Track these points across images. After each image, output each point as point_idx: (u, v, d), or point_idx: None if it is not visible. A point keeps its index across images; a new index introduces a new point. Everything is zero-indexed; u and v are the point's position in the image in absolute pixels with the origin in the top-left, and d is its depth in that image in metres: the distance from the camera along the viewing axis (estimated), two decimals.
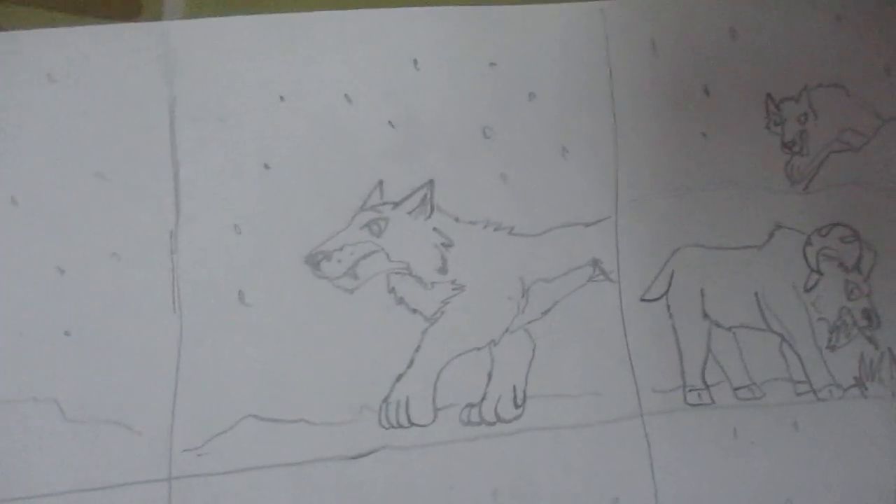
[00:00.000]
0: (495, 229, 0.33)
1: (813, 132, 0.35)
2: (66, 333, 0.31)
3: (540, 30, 0.34)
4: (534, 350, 0.33)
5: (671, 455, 0.32)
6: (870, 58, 0.36)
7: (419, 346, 0.32)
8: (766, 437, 0.33)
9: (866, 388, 0.34)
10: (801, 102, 0.35)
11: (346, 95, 0.33)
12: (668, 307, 0.34)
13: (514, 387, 0.33)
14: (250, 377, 0.32)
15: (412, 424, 0.32)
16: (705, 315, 0.34)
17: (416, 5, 0.34)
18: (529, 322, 0.33)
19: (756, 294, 0.34)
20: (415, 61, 0.34)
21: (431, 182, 0.33)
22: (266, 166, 0.33)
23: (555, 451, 0.32)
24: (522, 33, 0.34)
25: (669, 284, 0.34)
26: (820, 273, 0.34)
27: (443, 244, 0.33)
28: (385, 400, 0.32)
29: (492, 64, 0.34)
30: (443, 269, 0.33)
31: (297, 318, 0.32)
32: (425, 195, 0.33)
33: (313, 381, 0.32)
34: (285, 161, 0.33)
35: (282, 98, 0.33)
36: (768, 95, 0.35)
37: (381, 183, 0.33)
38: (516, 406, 0.32)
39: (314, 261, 0.32)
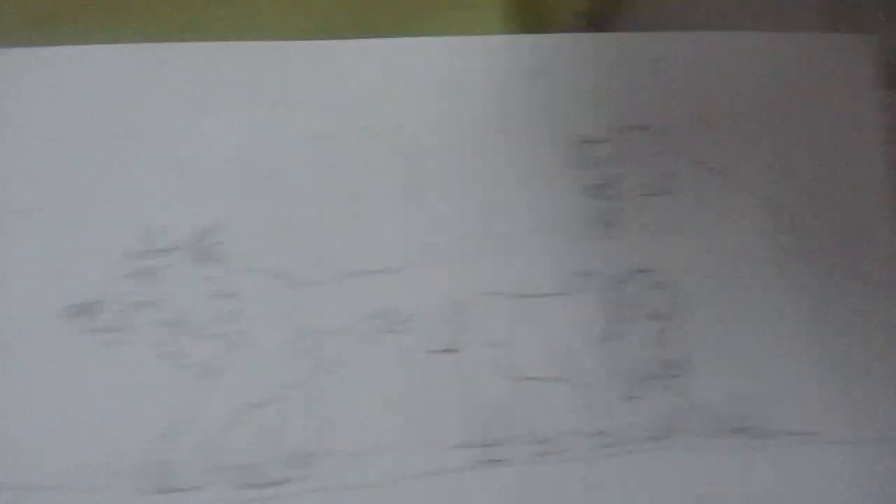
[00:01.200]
0: (280, 278, 0.32)
1: (620, 175, 0.35)
2: None
3: (331, 66, 0.33)
4: (321, 405, 0.32)
5: None
6: (682, 100, 0.35)
7: (193, 404, 0.31)
8: (559, 493, 0.32)
9: (668, 440, 0.33)
10: (608, 145, 0.35)
11: (125, 130, 0.32)
12: (465, 359, 0.33)
13: (299, 445, 0.31)
14: (2, 440, 0.30)
15: (177, 490, 0.30)
16: (501, 367, 0.33)
17: (204, 40, 0.33)
18: (317, 376, 0.32)
19: (556, 343, 0.33)
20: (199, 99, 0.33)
21: (213, 228, 0.32)
22: (22, 211, 0.31)
23: None
24: (309, 71, 0.33)
25: (464, 336, 0.33)
26: (624, 321, 0.34)
27: (224, 294, 0.32)
28: (148, 463, 0.30)
29: (274, 104, 0.33)
30: (222, 321, 0.31)
31: (56, 376, 0.30)
32: (205, 242, 0.32)
33: (70, 444, 0.30)
34: (50, 204, 0.31)
35: (55, 138, 0.32)
36: (574, 138, 0.35)
37: (155, 228, 0.32)
38: (301, 466, 0.31)
39: (74, 312, 0.31)
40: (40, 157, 0.33)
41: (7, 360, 0.31)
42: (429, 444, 0.32)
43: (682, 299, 0.35)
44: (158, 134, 0.33)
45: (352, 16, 0.36)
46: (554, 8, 0.36)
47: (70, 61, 0.33)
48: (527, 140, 0.34)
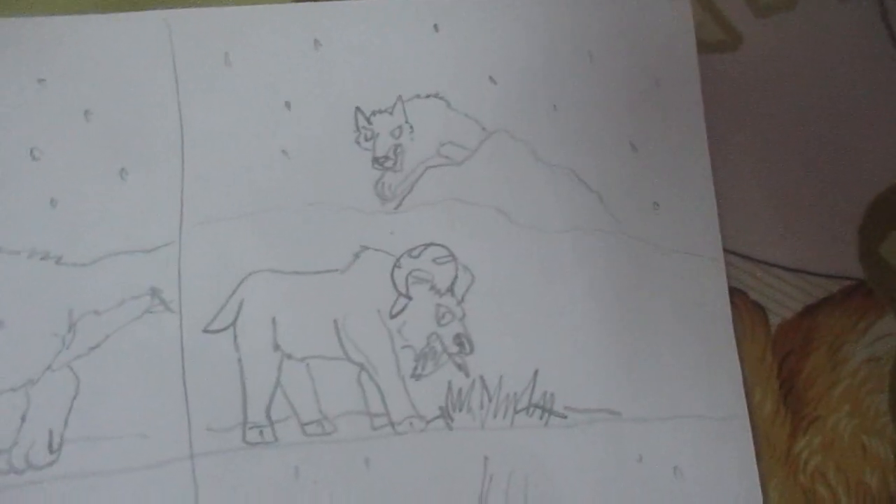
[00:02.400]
0: (41, 258, 0.32)
1: (408, 146, 0.34)
2: None
3: (94, 42, 0.33)
4: (77, 389, 0.31)
5: (220, 499, 0.31)
6: (471, 67, 0.35)
7: None
8: (333, 475, 0.31)
9: (452, 420, 0.32)
10: (395, 115, 0.34)
11: None
12: (235, 338, 0.32)
13: (51, 430, 0.31)
14: None
15: None
16: (276, 346, 0.32)
17: None
18: (76, 358, 0.31)
19: (335, 321, 0.32)
20: None
21: None
22: None
23: (90, 500, 0.30)
24: (75, 46, 0.33)
25: (237, 314, 0.32)
26: (409, 297, 0.33)
27: None
28: None
29: (40, 80, 0.32)
30: None
31: None
32: None
33: None
34: None
35: None
36: (357, 108, 0.34)
37: None
38: (51, 451, 0.30)
39: None
40: None
41: None
42: (201, 425, 0.31)
43: (470, 275, 0.34)
44: None
45: None
46: None
47: None
48: (309, 111, 0.34)
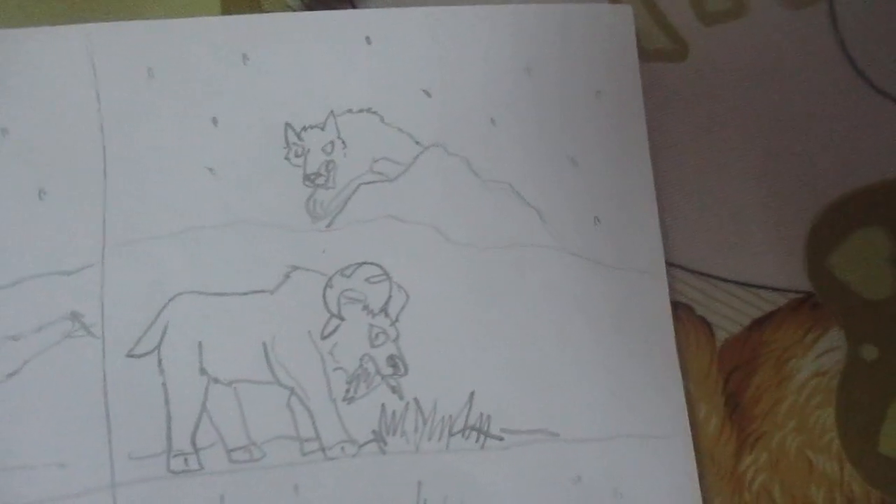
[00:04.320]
0: None
1: (341, 163, 0.34)
2: None
3: (12, 57, 0.32)
4: (5, 416, 0.30)
5: None
6: (405, 80, 0.34)
7: None
8: (259, 503, 0.31)
9: (386, 444, 0.32)
10: (326, 130, 0.34)
11: None
12: (160, 363, 0.32)
13: None
14: None
15: None
16: (203, 370, 0.32)
17: None
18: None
19: (264, 344, 0.32)
20: None
21: None
22: None
23: None
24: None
25: (162, 338, 0.32)
26: (341, 318, 0.33)
27: None
28: None
29: None
30: None
31: None
32: None
33: None
34: None
35: None
36: (287, 124, 0.33)
37: None
38: None
39: None
40: None
41: None
42: (123, 453, 0.31)
43: (404, 294, 0.33)
44: None
45: (61, 2, 0.34)
46: None
47: None
48: (237, 127, 0.33)
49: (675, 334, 0.37)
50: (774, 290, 0.38)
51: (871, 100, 0.40)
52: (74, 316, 0.32)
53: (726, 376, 0.37)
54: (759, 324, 0.38)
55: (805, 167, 0.39)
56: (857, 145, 0.40)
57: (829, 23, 0.41)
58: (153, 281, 0.32)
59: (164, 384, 0.32)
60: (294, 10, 0.35)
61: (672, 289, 0.38)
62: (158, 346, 0.32)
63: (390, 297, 0.33)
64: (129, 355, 0.32)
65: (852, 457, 0.37)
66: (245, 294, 0.33)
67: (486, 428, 0.33)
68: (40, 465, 0.30)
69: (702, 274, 0.38)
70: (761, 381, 0.38)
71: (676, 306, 0.37)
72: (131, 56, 0.33)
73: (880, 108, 0.40)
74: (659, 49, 0.40)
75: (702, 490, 0.36)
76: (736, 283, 0.38)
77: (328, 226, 0.34)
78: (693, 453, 0.34)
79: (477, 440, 0.33)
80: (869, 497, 0.36)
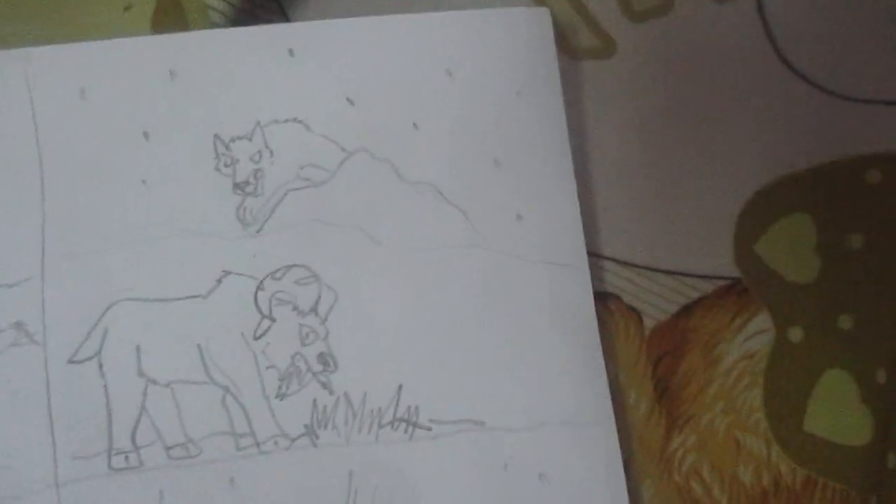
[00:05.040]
0: None
1: (269, 171, 0.35)
2: None
3: None
4: None
5: None
6: (328, 90, 0.36)
7: None
8: (197, 497, 0.33)
9: (317, 437, 0.34)
10: (254, 141, 0.35)
11: None
12: (100, 367, 0.34)
13: None
14: None
15: None
16: (141, 373, 0.34)
17: None
18: None
19: (199, 346, 0.34)
20: None
21: None
22: None
23: None
24: None
25: (102, 343, 0.34)
26: (272, 319, 0.34)
27: None
28: None
29: None
30: None
31: None
32: None
33: None
34: None
35: None
36: (216, 136, 0.35)
37: None
38: None
39: None
40: None
41: None
42: (66, 454, 0.33)
43: (333, 294, 0.35)
44: None
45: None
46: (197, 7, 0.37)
47: None
48: (167, 141, 0.35)
49: (605, 324, 0.38)
50: (702, 277, 0.40)
51: (798, 89, 0.41)
52: (18, 325, 0.34)
53: (655, 362, 0.39)
54: (687, 310, 0.39)
55: (732, 156, 0.41)
56: (783, 134, 0.41)
57: (757, 15, 0.42)
58: (92, 290, 0.34)
59: (105, 387, 0.33)
60: (219, 27, 0.37)
61: (601, 280, 0.39)
62: (99, 352, 0.34)
63: (319, 297, 0.35)
64: (71, 361, 0.34)
65: (779, 436, 0.38)
66: (180, 299, 0.34)
67: (414, 419, 0.35)
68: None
69: (630, 264, 0.40)
70: (690, 365, 0.39)
71: (606, 297, 0.39)
72: (65, 78, 0.35)
73: (807, 98, 0.41)
74: (587, 47, 0.41)
75: (632, 472, 0.37)
76: (664, 271, 0.40)
77: (258, 231, 0.35)
78: (617, 439, 0.36)
79: (406, 431, 0.35)
80: (795, 474, 0.38)
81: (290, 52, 0.36)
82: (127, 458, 0.33)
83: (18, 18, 0.37)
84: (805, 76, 0.42)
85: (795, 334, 0.39)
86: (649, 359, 0.39)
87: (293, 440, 0.34)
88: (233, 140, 0.36)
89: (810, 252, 0.40)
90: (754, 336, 0.39)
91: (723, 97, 0.41)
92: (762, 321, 0.39)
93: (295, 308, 0.35)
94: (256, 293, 0.35)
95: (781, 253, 0.40)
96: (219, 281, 0.35)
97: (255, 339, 0.35)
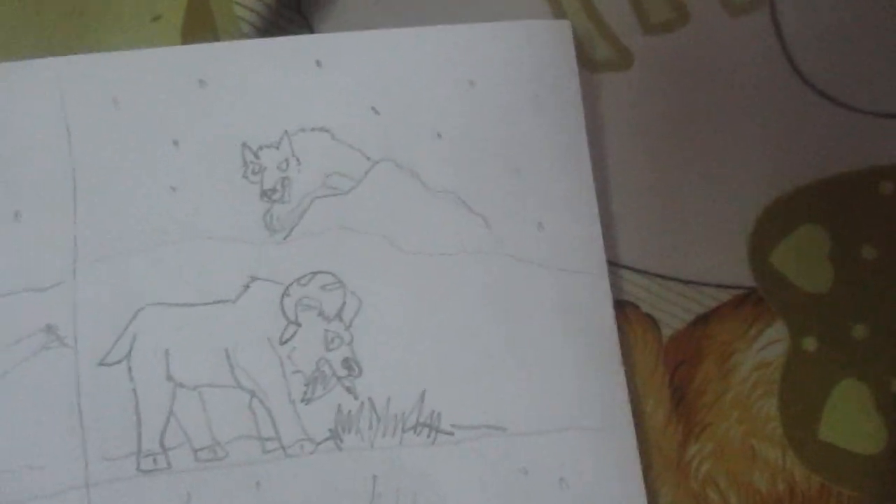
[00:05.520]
0: None
1: (295, 179, 0.36)
2: None
3: None
4: None
5: None
6: (354, 99, 0.37)
7: None
8: (223, 499, 0.33)
9: (342, 441, 0.35)
10: (281, 149, 0.36)
11: None
12: (130, 370, 0.34)
13: None
14: None
15: None
16: (169, 376, 0.34)
17: None
18: None
19: (226, 350, 0.35)
20: None
21: None
22: None
23: None
24: None
25: (131, 347, 0.34)
26: (298, 324, 0.35)
27: None
28: None
29: None
30: None
31: None
32: None
33: None
34: None
35: None
36: (244, 144, 0.36)
37: None
38: None
39: None
40: None
41: None
42: (96, 455, 0.34)
43: (357, 300, 0.36)
44: None
45: (31, 32, 0.37)
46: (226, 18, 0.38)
47: None
48: (196, 148, 0.36)
49: (622, 332, 0.39)
50: (718, 286, 0.40)
51: (812, 101, 0.42)
52: (50, 328, 0.34)
53: (672, 370, 0.40)
54: (703, 319, 0.40)
55: (748, 168, 0.41)
56: (798, 145, 0.42)
57: (772, 29, 0.43)
58: (122, 294, 0.35)
59: (134, 390, 0.34)
60: (248, 38, 0.38)
61: (619, 288, 0.40)
62: (128, 355, 0.35)
63: (344, 303, 0.36)
64: (101, 364, 0.34)
65: (794, 444, 0.39)
66: (208, 304, 0.35)
67: (436, 424, 0.35)
68: (18, 467, 0.33)
69: (648, 273, 0.40)
70: (706, 374, 0.40)
71: (623, 305, 0.40)
72: (98, 87, 0.36)
73: (821, 110, 0.42)
74: (605, 59, 0.42)
75: (649, 479, 0.38)
76: (681, 280, 0.40)
77: (285, 238, 0.36)
78: (636, 444, 0.36)
79: (428, 436, 0.35)
80: (809, 482, 0.38)
81: (318, 62, 0.37)
82: (155, 460, 0.34)
83: (50, 29, 0.38)
84: (819, 88, 0.43)
85: (810, 344, 0.40)
86: (666, 367, 0.40)
87: (318, 444, 0.35)
88: (261, 148, 0.37)
89: (825, 262, 0.41)
90: (769, 345, 0.40)
91: (738, 109, 0.42)
92: (777, 331, 0.40)
93: (320, 313, 0.36)
94: (283, 299, 0.36)
95: (796, 263, 0.41)
96: (246, 286, 0.36)
97: (282, 343, 0.35)
